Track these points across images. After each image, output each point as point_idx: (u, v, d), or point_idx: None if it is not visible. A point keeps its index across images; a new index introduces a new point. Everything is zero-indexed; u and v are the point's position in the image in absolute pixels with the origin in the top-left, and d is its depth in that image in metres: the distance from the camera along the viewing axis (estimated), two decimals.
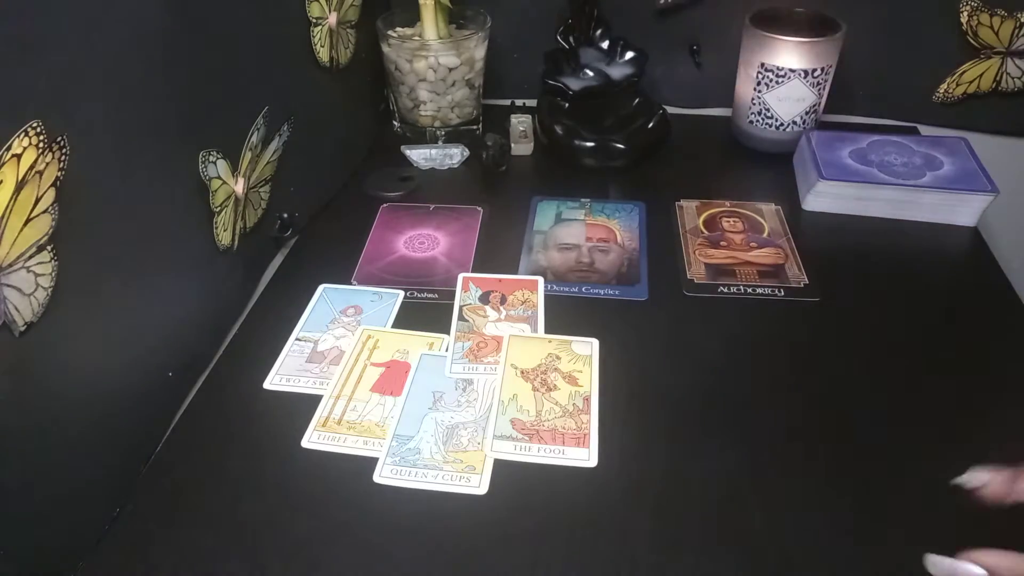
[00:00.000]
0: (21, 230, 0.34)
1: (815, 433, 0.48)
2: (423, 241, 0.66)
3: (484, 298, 0.59)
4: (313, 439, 0.48)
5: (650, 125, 0.75)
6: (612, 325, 0.56)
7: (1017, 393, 0.51)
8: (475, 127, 0.81)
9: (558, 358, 0.53)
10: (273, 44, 0.59)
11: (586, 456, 0.46)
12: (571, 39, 0.80)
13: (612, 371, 0.52)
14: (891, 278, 0.61)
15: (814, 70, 0.71)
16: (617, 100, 0.78)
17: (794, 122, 0.75)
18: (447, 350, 0.54)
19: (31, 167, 0.34)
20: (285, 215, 0.64)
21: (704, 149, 0.80)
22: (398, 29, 0.77)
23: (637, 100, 0.78)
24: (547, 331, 0.56)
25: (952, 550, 0.35)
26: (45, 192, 0.35)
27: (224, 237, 0.54)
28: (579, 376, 0.51)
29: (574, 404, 0.49)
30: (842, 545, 0.42)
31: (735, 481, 0.43)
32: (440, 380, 0.52)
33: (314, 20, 0.64)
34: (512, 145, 0.77)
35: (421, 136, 0.79)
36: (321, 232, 0.68)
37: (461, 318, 0.57)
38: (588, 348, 0.54)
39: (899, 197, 0.66)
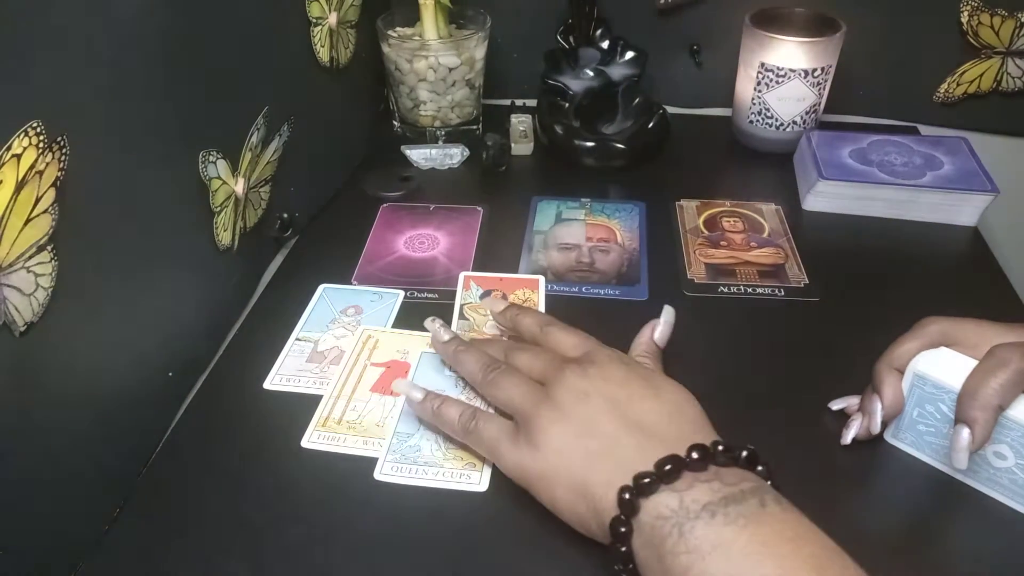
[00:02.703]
0: (21, 230, 0.34)
1: (816, 433, 0.48)
2: (423, 241, 0.66)
3: (485, 296, 0.59)
4: (313, 439, 0.48)
5: (650, 125, 0.75)
6: (612, 325, 0.56)
7: None
8: (475, 127, 0.81)
9: None
10: (273, 44, 0.59)
11: None
12: (571, 39, 0.80)
13: None
14: (891, 278, 0.61)
15: (814, 70, 0.71)
16: (617, 100, 0.78)
17: (794, 122, 0.75)
18: None
19: (31, 167, 0.34)
20: (285, 215, 0.64)
21: (704, 149, 0.80)
22: (398, 29, 0.77)
23: (637, 100, 0.78)
24: None
25: None
26: (45, 192, 0.35)
27: (224, 237, 0.54)
28: None
29: None
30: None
31: None
32: (440, 378, 0.52)
33: (314, 20, 0.64)
34: (512, 145, 0.77)
35: (421, 136, 0.79)
36: (321, 232, 0.68)
37: (462, 316, 0.57)
38: None
39: (899, 197, 0.66)
